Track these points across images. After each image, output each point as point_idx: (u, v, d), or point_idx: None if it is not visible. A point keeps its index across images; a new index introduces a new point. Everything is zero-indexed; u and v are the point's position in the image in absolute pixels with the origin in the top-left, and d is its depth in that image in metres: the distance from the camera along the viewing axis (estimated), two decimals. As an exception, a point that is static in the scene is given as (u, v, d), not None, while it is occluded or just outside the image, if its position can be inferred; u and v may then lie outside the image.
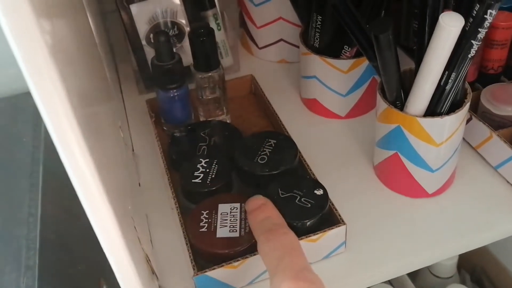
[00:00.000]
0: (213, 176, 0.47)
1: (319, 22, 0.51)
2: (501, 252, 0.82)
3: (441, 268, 0.80)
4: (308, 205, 0.43)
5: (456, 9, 0.37)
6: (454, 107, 0.43)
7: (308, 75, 0.57)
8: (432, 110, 0.43)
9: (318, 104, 0.58)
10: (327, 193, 0.44)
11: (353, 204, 0.49)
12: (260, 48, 0.68)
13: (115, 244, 0.30)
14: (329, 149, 0.55)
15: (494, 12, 0.35)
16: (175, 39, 0.63)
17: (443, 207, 0.48)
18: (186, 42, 0.64)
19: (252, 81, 0.62)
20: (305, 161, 0.49)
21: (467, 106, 0.43)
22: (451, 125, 0.43)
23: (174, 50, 0.58)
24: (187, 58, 0.56)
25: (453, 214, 0.47)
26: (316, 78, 0.56)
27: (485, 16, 0.35)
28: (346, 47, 0.53)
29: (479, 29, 0.36)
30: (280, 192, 0.44)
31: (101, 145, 0.31)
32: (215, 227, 0.42)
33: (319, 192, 0.44)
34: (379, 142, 0.48)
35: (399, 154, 0.46)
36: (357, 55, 0.53)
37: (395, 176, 0.48)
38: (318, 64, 0.54)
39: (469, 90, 0.44)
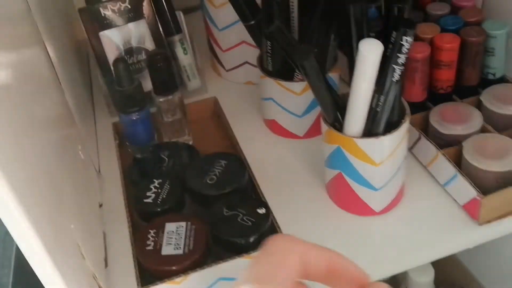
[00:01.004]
0: (164, 196, 0.48)
1: (269, 47, 0.53)
2: (480, 272, 0.82)
3: (417, 286, 0.81)
4: (248, 223, 0.44)
5: (379, 35, 0.39)
6: (394, 127, 0.44)
7: (266, 97, 0.59)
8: (369, 131, 0.44)
9: (277, 125, 0.60)
10: (269, 212, 0.45)
11: (303, 222, 0.50)
12: (228, 71, 0.70)
13: (40, 260, 0.32)
14: (286, 168, 0.57)
15: (410, 38, 0.36)
16: (143, 64, 0.65)
17: (390, 225, 0.49)
18: (154, 66, 0.66)
19: (216, 103, 0.64)
20: (255, 180, 0.51)
21: (404, 126, 0.45)
22: (389, 145, 0.45)
23: (143, 74, 0.60)
24: (152, 82, 0.59)
25: (399, 232, 0.48)
26: (272, 100, 0.58)
27: (401, 42, 0.37)
28: (296, 71, 0.55)
29: (398, 55, 0.37)
30: (224, 210, 0.46)
31: (28, 170, 0.33)
32: (161, 245, 0.44)
33: (262, 211, 0.45)
34: (326, 161, 0.49)
35: (342, 173, 0.48)
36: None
37: (342, 195, 0.50)
38: (273, 87, 0.56)
39: (407, 110, 0.46)
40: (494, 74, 0.55)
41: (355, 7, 0.39)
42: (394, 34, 0.36)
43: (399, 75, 0.39)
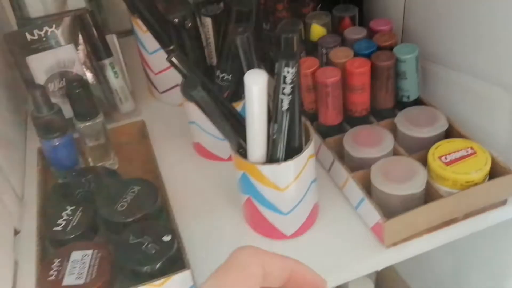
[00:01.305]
0: (74, 223, 0.48)
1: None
2: (418, 284, 0.82)
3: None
4: (153, 251, 0.44)
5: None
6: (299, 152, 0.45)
7: (191, 120, 0.59)
8: (271, 157, 0.45)
9: (202, 148, 0.60)
10: (174, 239, 0.45)
11: (216, 246, 0.50)
12: (161, 93, 0.71)
13: None
14: (207, 191, 0.57)
15: (291, 69, 0.37)
16: (72, 87, 0.65)
17: (301, 249, 0.49)
18: (84, 90, 0.66)
19: (143, 126, 0.64)
20: (169, 206, 0.51)
21: (306, 152, 0.45)
22: (292, 170, 0.45)
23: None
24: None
25: (310, 256, 0.48)
26: (196, 123, 0.58)
27: (283, 73, 0.37)
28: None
29: (282, 85, 0.38)
30: (131, 237, 0.46)
31: None
32: (63, 275, 0.44)
33: (167, 238, 0.45)
34: (237, 186, 0.50)
35: (251, 198, 0.48)
36: (230, 101, 0.56)
37: (254, 219, 0.50)
38: (195, 110, 0.56)
39: (311, 136, 0.46)
40: (408, 97, 0.56)
41: (242, 38, 0.39)
42: (277, 65, 0.37)
43: (288, 104, 0.40)
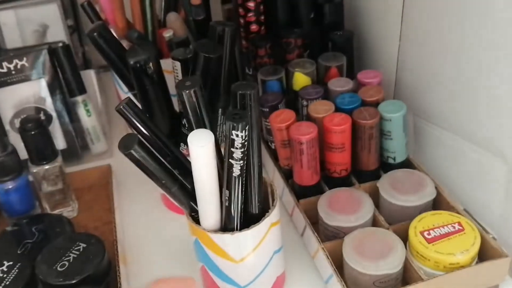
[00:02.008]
0: (7, 283, 0.43)
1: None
2: None
3: None
4: (84, 324, 0.39)
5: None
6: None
7: (157, 170, 0.55)
8: (226, 225, 0.39)
9: (170, 200, 0.55)
10: (110, 311, 0.40)
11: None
12: (136, 135, 0.66)
13: None
14: (169, 251, 0.52)
15: (240, 133, 0.32)
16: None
17: (260, 327, 0.44)
18: (53, 127, 0.63)
19: (109, 171, 0.60)
20: (118, 267, 0.46)
21: (267, 220, 0.40)
22: (249, 241, 0.40)
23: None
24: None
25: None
26: (161, 173, 0.54)
27: (231, 137, 0.32)
28: (182, 145, 0.51)
29: (232, 149, 0.33)
30: (64, 306, 0.40)
31: None
32: None
33: (103, 309, 0.40)
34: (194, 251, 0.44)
35: (205, 267, 0.43)
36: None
37: (210, 289, 0.45)
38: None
39: (276, 201, 0.41)
40: (394, 158, 0.51)
41: (188, 94, 0.35)
42: (225, 127, 0.32)
43: (240, 169, 0.35)
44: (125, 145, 0.34)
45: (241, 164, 0.34)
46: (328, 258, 0.44)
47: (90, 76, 0.68)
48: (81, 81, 0.64)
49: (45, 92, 0.62)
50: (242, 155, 0.34)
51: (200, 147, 0.33)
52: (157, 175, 0.36)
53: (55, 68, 0.62)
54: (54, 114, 0.62)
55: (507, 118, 0.42)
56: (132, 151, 0.34)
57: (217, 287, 0.43)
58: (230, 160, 0.34)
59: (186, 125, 0.50)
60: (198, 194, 0.37)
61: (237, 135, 0.32)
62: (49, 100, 0.62)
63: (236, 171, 0.34)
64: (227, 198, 0.37)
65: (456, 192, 0.49)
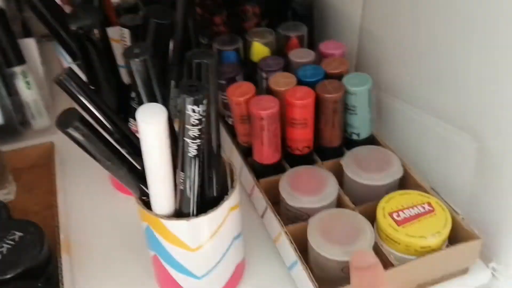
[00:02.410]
0: None
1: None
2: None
3: None
4: (20, 324, 0.34)
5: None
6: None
7: (104, 148, 0.50)
8: (180, 211, 0.36)
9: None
10: (51, 309, 0.36)
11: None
12: (81, 110, 0.61)
13: None
14: (115, 235, 0.48)
15: (197, 108, 0.28)
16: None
17: (219, 317, 0.40)
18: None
19: (52, 149, 0.54)
20: (60, 257, 0.41)
21: (224, 206, 0.36)
22: (206, 227, 0.36)
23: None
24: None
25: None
26: (108, 152, 0.49)
27: (187, 112, 0.28)
28: (131, 120, 0.46)
29: (187, 127, 0.29)
30: (-3, 304, 0.36)
31: None
32: None
33: (43, 306, 0.36)
34: (145, 239, 0.40)
35: (158, 257, 0.39)
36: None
37: (164, 282, 0.41)
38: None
39: (235, 183, 0.38)
40: (358, 135, 0.48)
41: (137, 63, 0.30)
42: (178, 101, 0.28)
43: (196, 149, 0.31)
44: (63, 122, 0.29)
45: (198, 143, 0.30)
46: (292, 243, 0.41)
47: (30, 46, 0.61)
48: (19, 50, 0.57)
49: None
50: (199, 133, 0.30)
51: (151, 124, 0.29)
52: (102, 155, 0.32)
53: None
54: (-15, 88, 0.56)
55: (477, 93, 0.40)
56: (71, 129, 0.29)
57: (171, 278, 0.39)
58: (185, 138, 0.30)
59: (135, 99, 0.45)
60: (149, 176, 0.33)
61: (193, 110, 0.28)
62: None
63: (192, 151, 0.30)
64: (182, 180, 0.33)
65: (423, 170, 0.47)
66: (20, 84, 0.58)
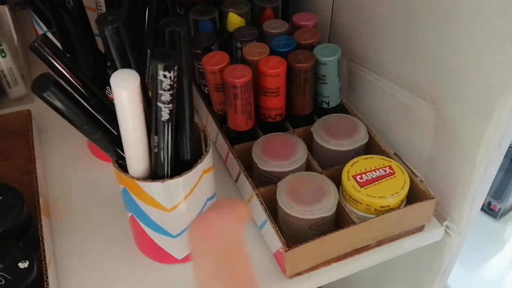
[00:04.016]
0: None
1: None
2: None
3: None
4: (2, 281, 0.36)
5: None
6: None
7: (82, 116, 0.51)
8: (155, 173, 0.37)
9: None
10: (33, 266, 0.38)
11: (95, 268, 0.43)
12: (58, 79, 0.62)
13: None
14: (95, 200, 0.49)
15: (168, 73, 0.30)
16: None
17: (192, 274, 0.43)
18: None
19: (28, 117, 0.55)
20: (40, 220, 0.43)
21: (197, 169, 0.38)
22: (181, 189, 0.38)
23: None
24: None
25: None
26: (86, 119, 0.50)
27: (159, 77, 0.30)
28: (108, 88, 0.47)
29: (160, 92, 0.31)
30: (-20, 262, 0.37)
31: None
32: None
33: (24, 264, 0.38)
34: (122, 200, 0.42)
35: (135, 217, 0.41)
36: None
37: (140, 240, 0.43)
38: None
39: (208, 147, 0.39)
40: (328, 103, 0.50)
41: (110, 30, 0.32)
42: (151, 67, 0.30)
43: (169, 113, 0.32)
44: (39, 87, 0.30)
45: (170, 108, 0.32)
46: (262, 203, 0.43)
47: (3, 13, 0.61)
48: (-7, 17, 0.58)
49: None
50: (171, 97, 0.31)
51: (124, 88, 0.30)
52: (78, 120, 0.33)
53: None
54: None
55: (437, 63, 0.42)
56: (47, 93, 0.30)
57: (148, 237, 0.41)
58: (158, 103, 0.31)
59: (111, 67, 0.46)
60: (124, 140, 0.35)
61: (165, 76, 0.30)
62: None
63: (165, 115, 0.32)
64: (156, 144, 0.35)
65: (387, 136, 0.49)
66: (-5, 50, 0.59)
